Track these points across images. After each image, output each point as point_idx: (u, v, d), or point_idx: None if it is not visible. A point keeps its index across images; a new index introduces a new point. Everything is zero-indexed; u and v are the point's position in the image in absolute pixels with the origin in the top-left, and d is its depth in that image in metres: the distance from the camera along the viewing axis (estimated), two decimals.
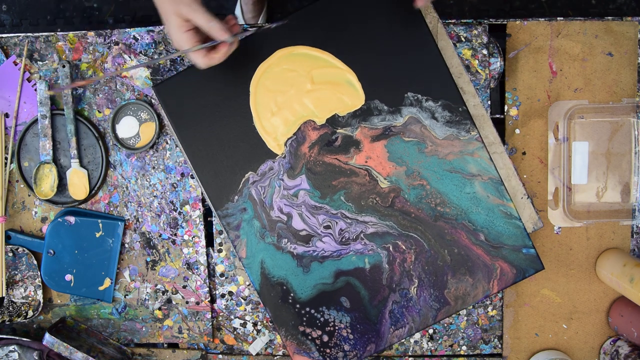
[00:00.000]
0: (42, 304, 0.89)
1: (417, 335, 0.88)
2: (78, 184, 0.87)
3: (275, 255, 0.82)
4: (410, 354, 0.89)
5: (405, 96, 0.80)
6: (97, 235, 0.87)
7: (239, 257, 0.83)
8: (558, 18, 0.86)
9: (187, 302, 0.89)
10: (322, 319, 0.83)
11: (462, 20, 0.85)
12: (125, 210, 0.88)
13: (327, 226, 0.82)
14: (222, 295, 0.89)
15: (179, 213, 0.88)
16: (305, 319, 0.83)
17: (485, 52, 0.84)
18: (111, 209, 0.88)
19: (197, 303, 0.89)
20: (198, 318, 0.89)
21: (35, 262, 0.89)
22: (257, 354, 0.90)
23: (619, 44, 0.84)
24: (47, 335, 0.83)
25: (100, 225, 0.87)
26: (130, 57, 0.87)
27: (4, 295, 0.89)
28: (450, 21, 0.85)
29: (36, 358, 0.84)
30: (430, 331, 0.88)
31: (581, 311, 0.87)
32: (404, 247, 0.82)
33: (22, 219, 0.90)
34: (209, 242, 0.89)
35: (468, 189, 0.81)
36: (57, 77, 0.88)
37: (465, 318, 0.87)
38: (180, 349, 0.90)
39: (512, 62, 0.85)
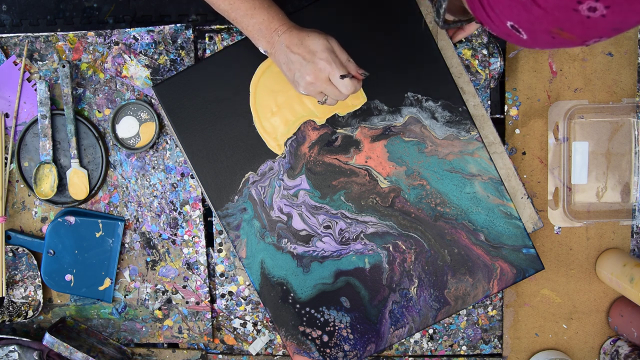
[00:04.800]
0: (42, 304, 0.89)
1: (417, 335, 0.88)
2: (78, 184, 0.87)
3: (275, 255, 0.82)
4: (410, 354, 0.89)
5: (405, 96, 0.80)
6: (97, 235, 0.87)
7: (239, 257, 0.83)
8: None
9: (187, 302, 0.89)
10: (322, 319, 0.83)
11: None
12: (125, 210, 0.88)
13: (327, 226, 0.82)
14: (222, 295, 0.89)
15: (179, 213, 0.88)
16: (305, 319, 0.83)
17: (485, 52, 0.84)
18: (111, 209, 0.88)
19: (197, 303, 0.89)
20: (198, 318, 0.89)
21: (35, 262, 0.89)
22: (257, 354, 0.90)
23: (619, 44, 0.84)
24: (47, 335, 0.83)
25: (100, 225, 0.87)
26: (130, 57, 0.87)
27: (4, 295, 0.89)
28: None
29: (36, 358, 0.84)
30: (430, 331, 0.88)
31: (581, 311, 0.87)
32: (404, 247, 0.82)
33: (22, 219, 0.90)
34: (209, 242, 0.89)
35: (468, 189, 0.81)
36: (56, 77, 0.88)
37: (465, 318, 0.87)
38: (180, 349, 0.90)
39: (512, 62, 0.85)
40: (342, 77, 0.65)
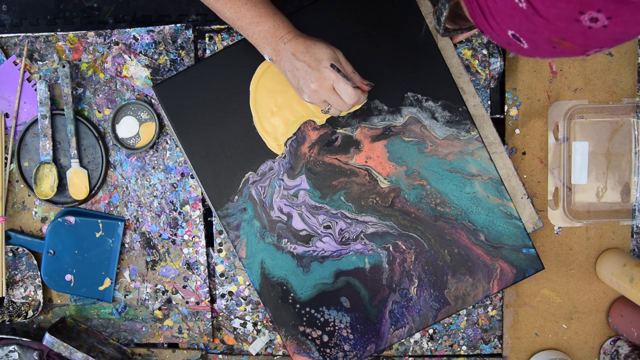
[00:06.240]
0: (42, 304, 0.89)
1: (417, 335, 0.88)
2: (78, 184, 0.87)
3: (275, 255, 0.82)
4: (410, 354, 0.89)
5: (405, 96, 0.80)
6: (97, 235, 0.87)
7: (239, 257, 0.83)
8: None
9: (187, 302, 0.89)
10: (322, 319, 0.83)
11: None
12: (125, 210, 0.88)
13: (327, 226, 0.82)
14: (222, 295, 0.89)
15: (179, 213, 0.88)
16: (305, 319, 0.83)
17: (485, 52, 0.84)
18: (111, 209, 0.88)
19: (197, 303, 0.89)
20: (198, 318, 0.89)
21: (35, 262, 0.89)
22: (257, 354, 0.90)
23: (619, 44, 0.84)
24: (47, 335, 0.83)
25: (100, 225, 0.87)
26: (130, 57, 0.87)
27: (4, 295, 0.89)
28: None
29: (36, 358, 0.84)
30: (430, 331, 0.88)
31: (581, 311, 0.87)
32: (404, 247, 0.82)
33: (22, 219, 0.90)
34: (209, 242, 0.89)
35: (468, 189, 0.81)
36: (56, 77, 0.88)
37: (465, 318, 0.87)
38: (180, 349, 0.90)
39: (512, 62, 0.85)
40: (332, 66, 0.65)
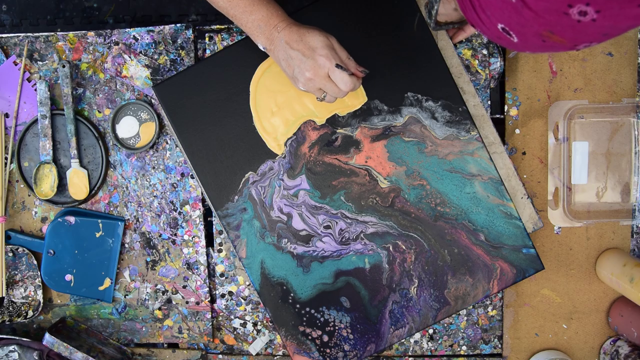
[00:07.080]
0: (42, 304, 0.89)
1: (417, 335, 0.88)
2: (78, 184, 0.87)
3: (275, 255, 0.82)
4: (410, 354, 0.89)
5: (405, 96, 0.80)
6: (97, 235, 0.87)
7: (239, 257, 0.83)
8: None
9: (187, 302, 0.89)
10: (322, 319, 0.83)
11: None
12: (125, 210, 0.88)
13: (327, 226, 0.82)
14: (222, 295, 0.89)
15: (179, 213, 0.88)
16: (305, 319, 0.83)
17: (485, 52, 0.84)
18: (111, 209, 0.88)
19: (197, 303, 0.89)
20: (198, 318, 0.89)
21: (35, 262, 0.89)
22: (257, 354, 0.90)
23: (619, 44, 0.84)
24: (47, 335, 0.83)
25: (100, 225, 0.87)
26: (130, 57, 0.87)
27: (4, 295, 0.89)
28: None
29: (36, 358, 0.84)
30: (430, 331, 0.88)
31: (581, 311, 0.87)
32: (404, 247, 0.82)
33: (22, 219, 0.90)
34: (209, 242, 0.89)
35: (468, 189, 0.81)
36: (56, 77, 0.88)
37: (465, 318, 0.87)
38: (180, 349, 0.90)
39: (512, 62, 0.85)
40: (337, 66, 0.65)
